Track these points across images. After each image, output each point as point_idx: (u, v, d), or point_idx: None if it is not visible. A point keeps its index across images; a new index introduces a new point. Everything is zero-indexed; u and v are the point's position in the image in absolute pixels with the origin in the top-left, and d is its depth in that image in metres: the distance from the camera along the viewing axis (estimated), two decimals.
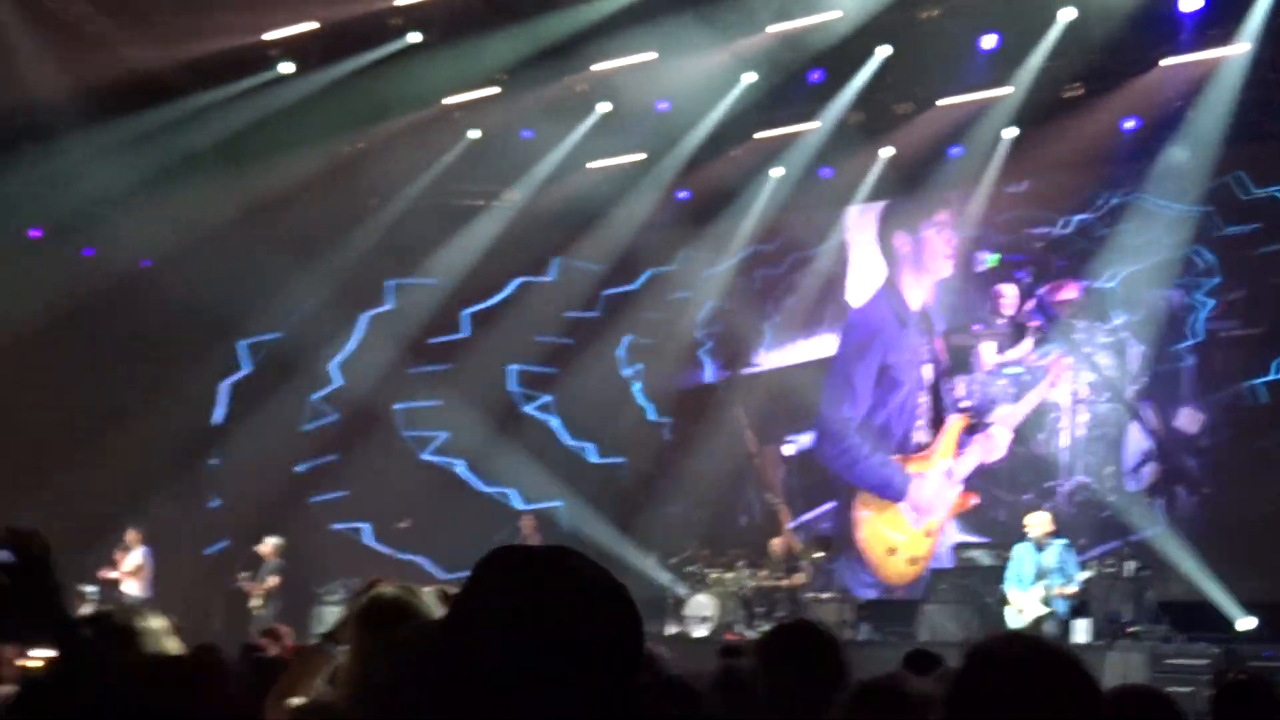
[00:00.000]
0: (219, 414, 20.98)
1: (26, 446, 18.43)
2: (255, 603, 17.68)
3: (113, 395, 20.07)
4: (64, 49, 17.04)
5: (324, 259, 20.59)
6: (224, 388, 21.09)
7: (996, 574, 15.91)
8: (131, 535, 17.98)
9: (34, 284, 18.32)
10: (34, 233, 19.73)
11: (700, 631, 17.37)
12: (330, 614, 17.92)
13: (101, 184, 18.46)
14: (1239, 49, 16.01)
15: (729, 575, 18.22)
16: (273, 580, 17.75)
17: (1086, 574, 14.73)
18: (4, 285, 18.00)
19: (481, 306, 21.36)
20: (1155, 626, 14.43)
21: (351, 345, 21.10)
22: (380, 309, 21.39)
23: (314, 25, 17.67)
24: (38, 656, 3.75)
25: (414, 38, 17.47)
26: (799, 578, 17.75)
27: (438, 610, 3.80)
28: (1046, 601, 14.45)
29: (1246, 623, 14.45)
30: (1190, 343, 17.46)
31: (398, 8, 17.24)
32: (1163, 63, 16.48)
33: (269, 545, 17.99)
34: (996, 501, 18.37)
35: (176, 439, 19.46)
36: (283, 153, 18.60)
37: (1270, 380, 16.89)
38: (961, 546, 18.00)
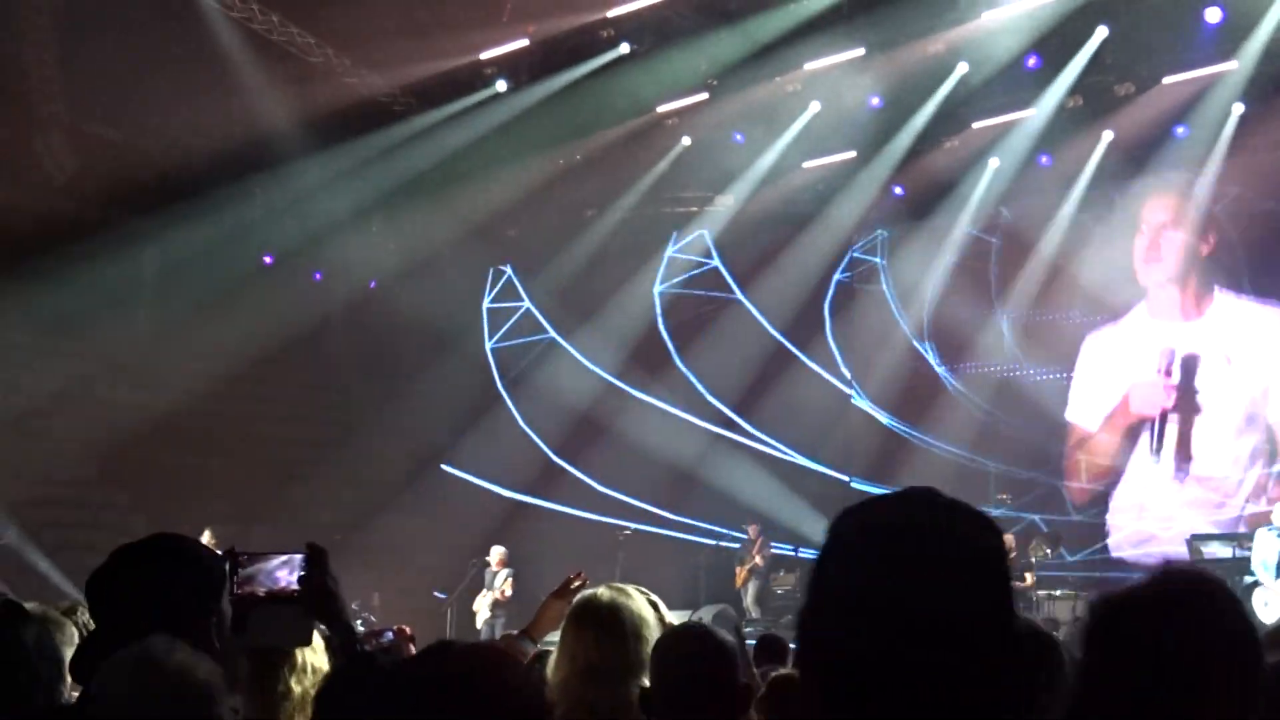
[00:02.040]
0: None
1: (262, 464, 19.08)
2: (484, 612, 17.89)
3: (344, 412, 20.71)
4: (290, 80, 17.67)
5: (544, 271, 20.93)
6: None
7: (1237, 566, 15.33)
8: (208, 537, 17.39)
9: (268, 307, 18.98)
10: (267, 258, 20.44)
11: None
12: None
13: (329, 209, 19.08)
14: None
15: None
16: (505, 589, 17.95)
17: None
18: (240, 310, 18.70)
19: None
20: None
21: (576, 355, 21.28)
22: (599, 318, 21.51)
23: (525, 42, 17.98)
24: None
25: (624, 48, 17.63)
26: (1029, 578, 17.36)
27: (648, 611, 3.81)
28: None
29: None
30: None
31: (608, 19, 17.43)
32: None
33: (496, 554, 18.23)
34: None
35: (407, 453, 19.90)
36: (500, 169, 18.97)
37: None
38: (1197, 538, 17.38)
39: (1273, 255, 17.92)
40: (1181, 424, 18.35)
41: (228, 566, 3.19)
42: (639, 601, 3.83)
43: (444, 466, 20.76)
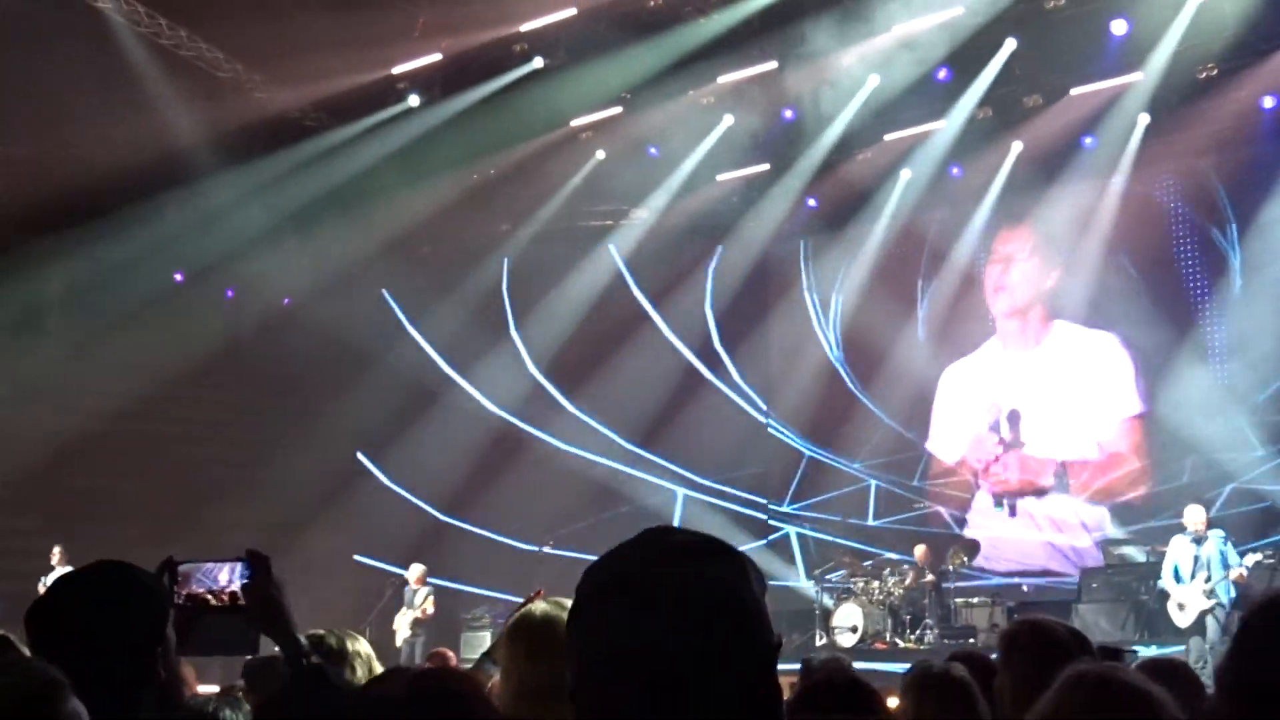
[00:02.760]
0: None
1: (176, 484, 18.86)
2: (404, 631, 17.77)
3: (259, 431, 20.50)
4: (199, 96, 17.48)
5: (460, 287, 20.85)
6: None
7: (1150, 570, 15.57)
8: (58, 554, 16.85)
9: (179, 326, 18.77)
10: (178, 276, 20.21)
11: (848, 642, 17.20)
12: (478, 639, 18.05)
13: (240, 226, 18.88)
14: None
15: (874, 584, 18.04)
16: (426, 607, 17.84)
17: (1250, 561, 14.28)
18: (151, 328, 18.46)
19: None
20: None
21: (491, 369, 21.21)
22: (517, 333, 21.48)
23: (437, 57, 17.93)
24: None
25: (538, 62, 17.63)
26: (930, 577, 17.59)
27: None
28: (1210, 594, 14.07)
29: None
30: None
31: (521, 34, 17.43)
32: None
33: (415, 572, 18.11)
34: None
35: (320, 472, 19.72)
36: (414, 184, 18.89)
37: None
38: (1110, 543, 17.63)
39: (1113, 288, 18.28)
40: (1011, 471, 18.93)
41: (166, 577, 3.15)
42: None
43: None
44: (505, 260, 21.37)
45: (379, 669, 4.14)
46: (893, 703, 4.46)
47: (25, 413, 18.62)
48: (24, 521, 18.42)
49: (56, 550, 16.99)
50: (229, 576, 3.20)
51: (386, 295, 21.11)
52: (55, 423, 18.38)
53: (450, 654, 9.90)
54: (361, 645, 4.37)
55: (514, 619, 3.83)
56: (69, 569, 16.17)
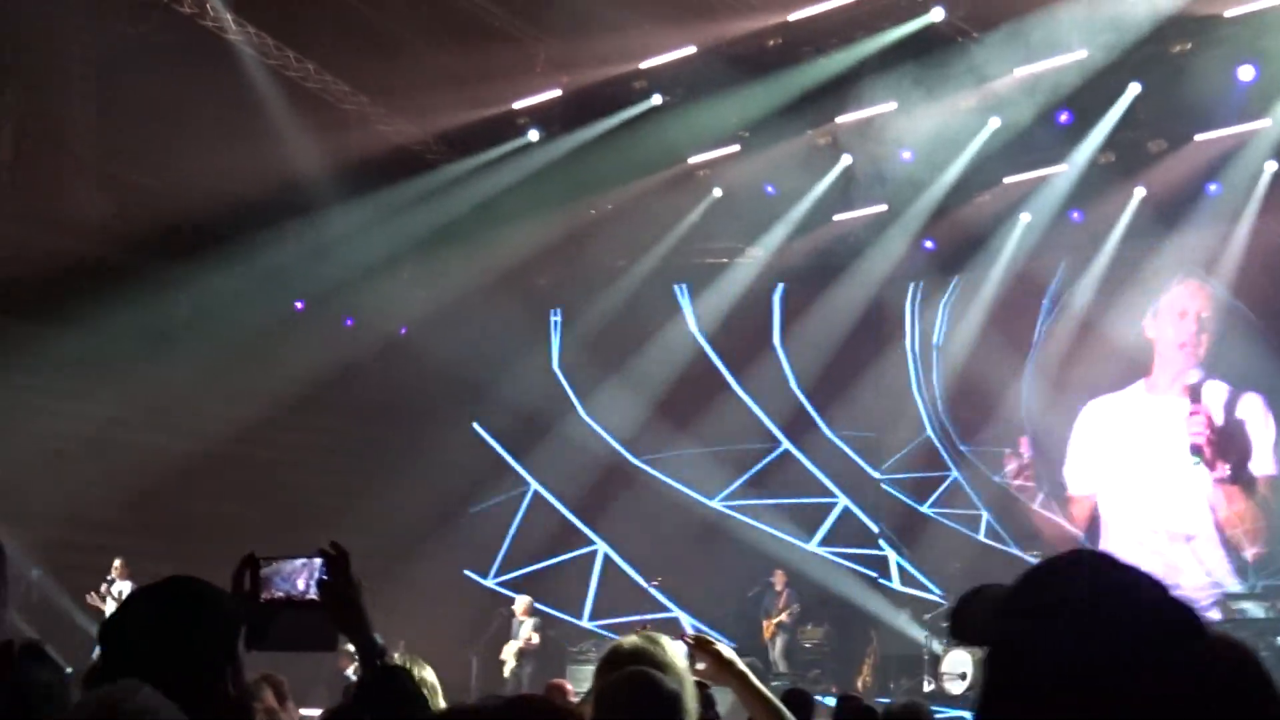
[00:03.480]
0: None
1: (294, 508, 19.09)
2: (510, 661, 17.87)
3: (372, 460, 20.73)
4: (323, 127, 17.81)
5: (574, 320, 20.99)
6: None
7: (1270, 626, 15.21)
8: (118, 567, 17.22)
9: (299, 353, 19.05)
10: (298, 304, 20.53)
11: (956, 689, 16.96)
12: (583, 671, 18.08)
13: (360, 255, 19.17)
14: None
15: None
16: (532, 638, 17.94)
17: None
18: (271, 355, 18.77)
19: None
20: None
21: (605, 402, 21.28)
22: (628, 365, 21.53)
23: (558, 92, 18.10)
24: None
25: (656, 99, 17.73)
26: None
27: (679, 659, 3.80)
28: None
29: None
30: None
31: (640, 70, 17.53)
32: None
33: (521, 604, 18.22)
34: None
35: (435, 500, 19.89)
36: (532, 217, 19.06)
37: None
38: (1230, 597, 17.22)
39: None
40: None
41: (248, 575, 3.17)
42: (668, 649, 3.82)
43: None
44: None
45: (442, 703, 4.17)
46: None
47: (149, 437, 19.00)
48: (143, 543, 18.76)
49: (117, 563, 17.31)
50: (307, 579, 3.21)
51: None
52: (177, 447, 18.73)
53: (568, 685, 9.92)
54: (428, 673, 4.40)
55: (607, 651, 3.87)
56: (129, 584, 16.66)
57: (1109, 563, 1.63)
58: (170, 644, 2.77)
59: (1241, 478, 17.80)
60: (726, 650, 4.25)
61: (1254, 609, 16.58)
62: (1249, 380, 17.96)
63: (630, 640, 3.85)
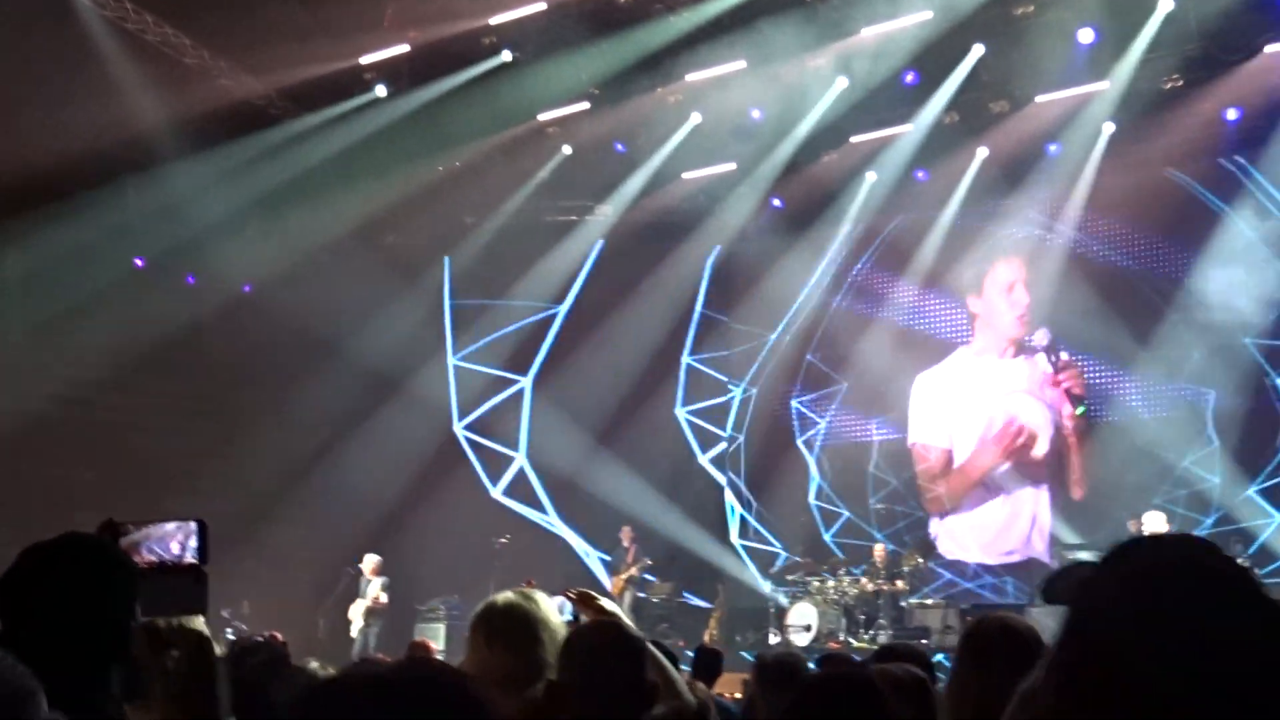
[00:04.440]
0: None
1: (136, 472, 18.68)
2: (358, 621, 17.74)
3: (219, 420, 20.35)
4: (165, 81, 17.32)
5: (423, 278, 20.81)
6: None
7: None
8: None
9: (139, 311, 18.58)
10: (138, 261, 20.02)
11: (802, 640, 17.27)
12: (432, 630, 18.05)
13: (203, 212, 18.74)
14: None
15: (830, 584, 18.13)
16: (380, 598, 17.81)
17: None
18: (110, 314, 18.27)
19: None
20: None
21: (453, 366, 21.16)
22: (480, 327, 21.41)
23: (405, 48, 17.84)
24: None
25: (506, 56, 17.58)
26: (900, 584, 17.70)
27: (553, 614, 3.82)
28: None
29: None
30: None
31: (490, 26, 17.35)
32: (1268, 49, 16.13)
33: (370, 563, 18.10)
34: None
35: (279, 461, 19.62)
36: (380, 174, 18.80)
37: None
38: (1063, 547, 17.75)
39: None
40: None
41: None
42: (542, 604, 3.84)
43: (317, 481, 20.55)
44: (447, 260, 21.28)
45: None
46: None
47: None
48: None
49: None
50: (181, 542, 3.19)
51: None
52: (9, 408, 18.19)
53: (432, 644, 9.88)
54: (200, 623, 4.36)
55: (480, 607, 3.87)
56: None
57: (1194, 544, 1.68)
58: (76, 604, 2.68)
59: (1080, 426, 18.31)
60: (609, 605, 4.29)
61: (1089, 558, 17.07)
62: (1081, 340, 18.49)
63: (505, 596, 3.89)
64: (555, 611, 3.89)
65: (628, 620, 4.22)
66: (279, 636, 8.92)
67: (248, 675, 4.54)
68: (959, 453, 19.52)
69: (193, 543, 3.15)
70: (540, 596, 3.92)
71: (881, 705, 3.32)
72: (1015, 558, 18.65)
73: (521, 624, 3.76)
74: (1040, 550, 18.38)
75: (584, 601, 4.32)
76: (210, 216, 18.91)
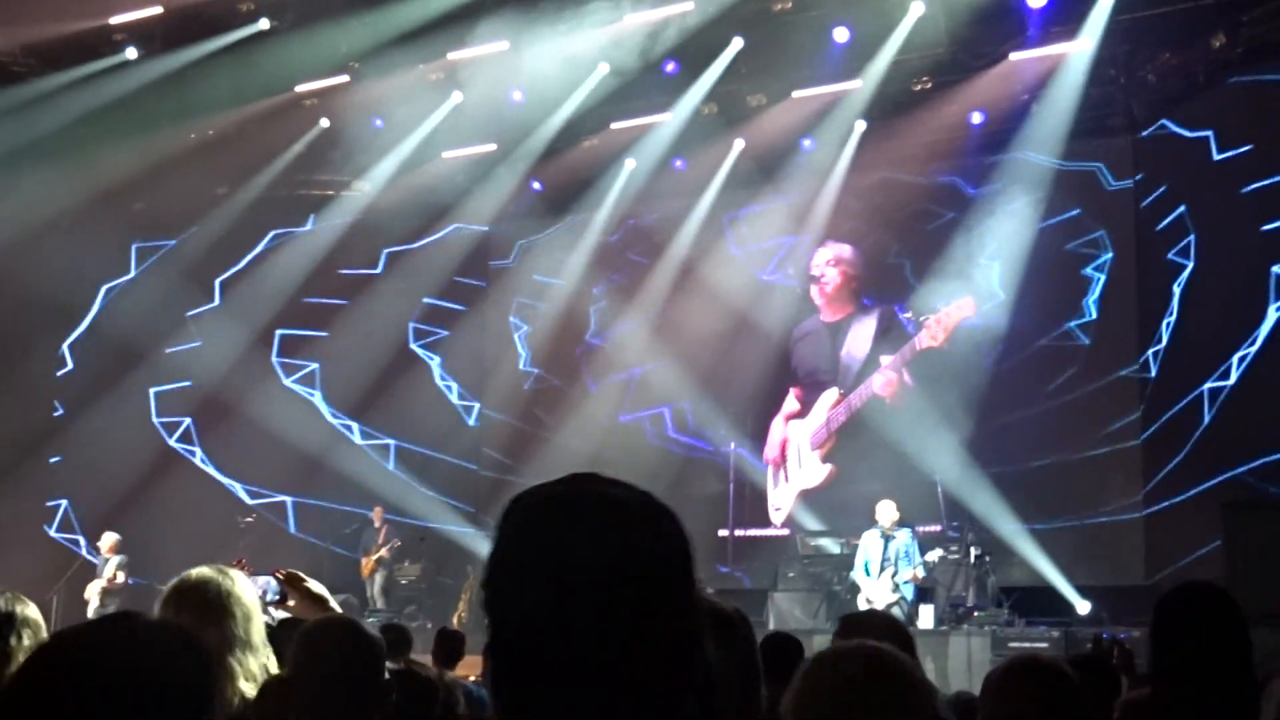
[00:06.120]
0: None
1: None
2: (94, 601, 17.22)
3: None
4: None
5: (171, 248, 20.29)
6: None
7: (844, 561, 16.19)
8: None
9: None
10: None
11: None
12: None
13: None
14: (1083, 45, 16.35)
15: None
16: (116, 576, 17.31)
17: (932, 559, 14.95)
18: None
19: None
20: (997, 610, 14.74)
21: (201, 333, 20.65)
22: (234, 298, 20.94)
23: (159, 10, 17.31)
24: None
25: (264, 24, 17.23)
26: None
27: (246, 592, 3.82)
28: (895, 589, 14.69)
29: (1083, 606, 15.11)
30: None
31: None
32: (1011, 56, 16.77)
33: (107, 541, 17.57)
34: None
35: (14, 434, 18.92)
36: (129, 139, 18.21)
37: None
38: (807, 534, 18.15)
39: None
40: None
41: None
42: (236, 581, 3.86)
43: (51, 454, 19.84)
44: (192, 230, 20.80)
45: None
46: None
47: None
48: None
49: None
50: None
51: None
52: None
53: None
54: (31, 611, 4.24)
55: (174, 580, 3.87)
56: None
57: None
58: None
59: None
60: (316, 586, 4.26)
61: (829, 545, 17.54)
62: None
63: (199, 571, 3.89)
64: (251, 589, 3.88)
65: (333, 601, 4.22)
66: None
67: None
68: None
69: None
70: (237, 574, 3.92)
71: None
72: None
73: (214, 597, 3.75)
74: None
75: (291, 582, 4.30)
76: None
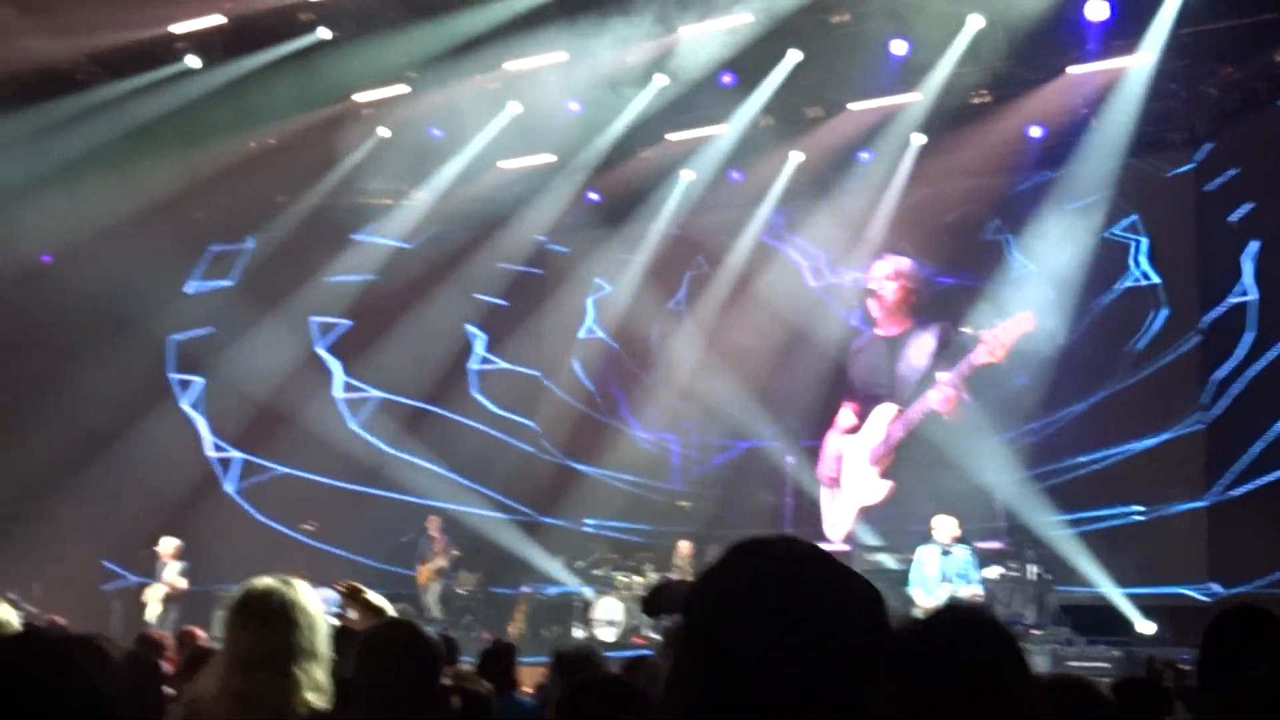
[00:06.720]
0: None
1: None
2: (153, 606, 17.31)
3: (7, 392, 19.71)
4: None
5: (231, 255, 20.41)
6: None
7: (902, 578, 16.05)
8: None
9: None
10: None
11: (608, 636, 17.32)
12: None
13: (1, 176, 18.11)
14: (1144, 59, 16.22)
15: (636, 579, 18.20)
16: (177, 582, 17.39)
17: (991, 576, 14.81)
18: None
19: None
20: (1057, 629, 14.58)
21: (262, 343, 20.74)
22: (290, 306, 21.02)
23: (221, 19, 17.44)
24: None
25: (323, 33, 17.31)
26: None
27: (312, 602, 3.82)
28: None
29: (1146, 626, 14.87)
30: None
31: (309, 3, 17.08)
32: (1070, 70, 16.65)
33: (168, 545, 17.65)
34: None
35: (77, 437, 19.06)
36: (190, 147, 18.36)
37: None
38: (864, 549, 18.00)
39: None
40: None
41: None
42: (300, 591, 3.85)
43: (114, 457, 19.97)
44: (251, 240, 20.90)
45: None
46: None
47: None
48: None
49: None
50: None
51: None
52: None
53: (199, 632, 9.66)
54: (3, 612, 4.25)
55: (239, 590, 3.89)
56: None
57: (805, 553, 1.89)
58: None
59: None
60: (376, 597, 4.26)
61: (887, 560, 17.38)
62: None
63: (264, 581, 3.89)
64: (315, 599, 3.87)
65: (392, 611, 4.22)
66: (60, 621, 8.65)
67: None
68: None
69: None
70: (301, 584, 3.92)
71: None
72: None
73: (277, 607, 3.76)
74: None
75: (351, 595, 4.30)
76: (9, 181, 18.28)
